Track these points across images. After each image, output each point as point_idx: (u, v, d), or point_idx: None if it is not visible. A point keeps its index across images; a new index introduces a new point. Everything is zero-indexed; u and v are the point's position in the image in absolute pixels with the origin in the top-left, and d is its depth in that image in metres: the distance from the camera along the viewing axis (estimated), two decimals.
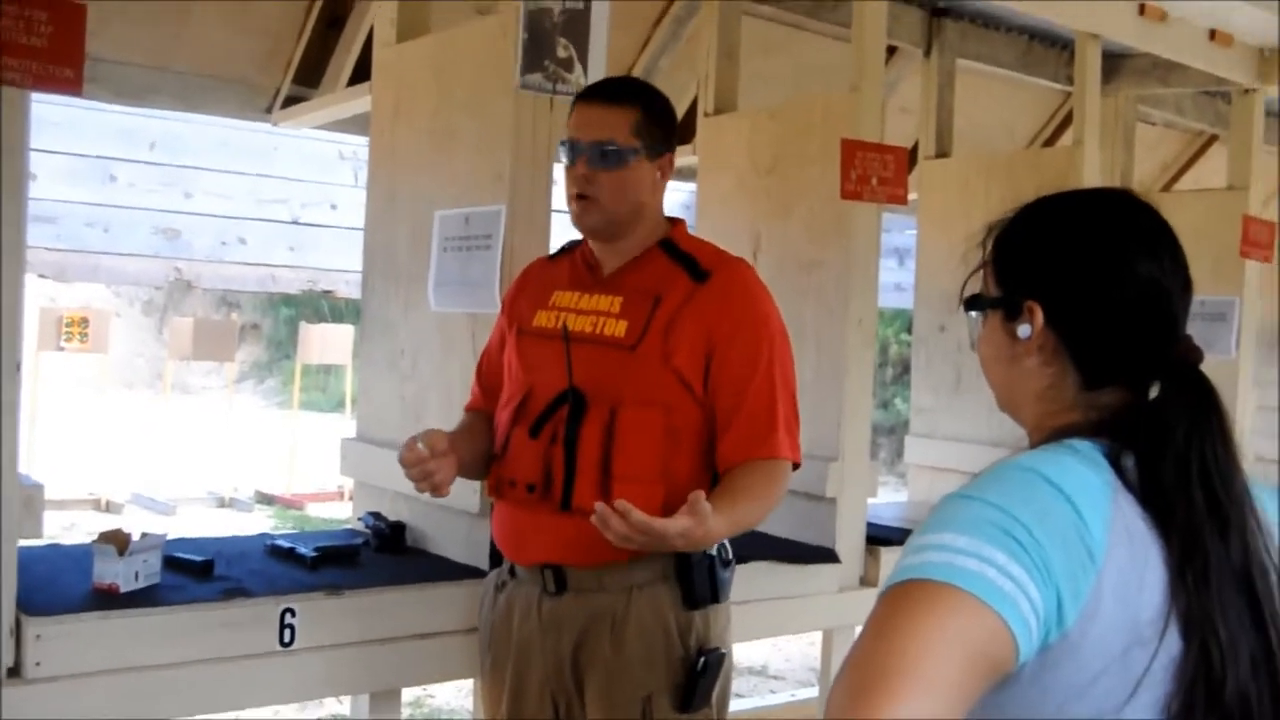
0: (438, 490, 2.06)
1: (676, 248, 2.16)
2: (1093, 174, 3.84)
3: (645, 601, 2.07)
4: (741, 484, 2.05)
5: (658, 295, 2.10)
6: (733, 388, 2.08)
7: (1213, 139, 5.74)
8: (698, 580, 2.07)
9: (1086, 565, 1.06)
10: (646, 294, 2.11)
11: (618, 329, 2.09)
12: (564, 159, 2.14)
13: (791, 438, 2.12)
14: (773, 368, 2.10)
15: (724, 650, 2.11)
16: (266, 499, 10.86)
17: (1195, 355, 1.21)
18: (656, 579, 2.07)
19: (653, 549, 1.93)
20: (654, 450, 2.05)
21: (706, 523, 1.85)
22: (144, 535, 2.25)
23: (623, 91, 2.19)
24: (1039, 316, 1.23)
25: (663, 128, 2.18)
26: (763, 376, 2.09)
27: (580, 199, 2.12)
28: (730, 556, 2.15)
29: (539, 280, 2.28)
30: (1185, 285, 1.24)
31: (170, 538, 2.39)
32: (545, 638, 2.12)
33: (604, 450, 2.04)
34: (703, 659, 2.06)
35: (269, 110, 3.82)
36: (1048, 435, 1.22)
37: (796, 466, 2.15)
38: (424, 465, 2.03)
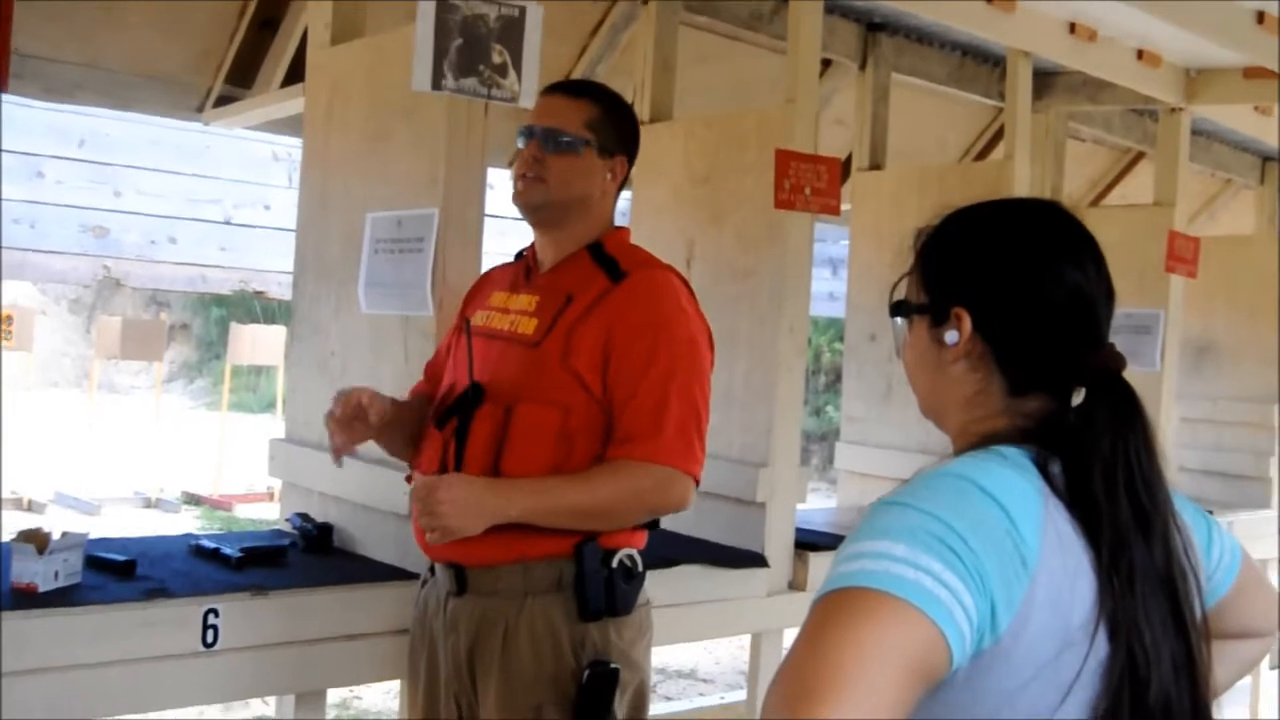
0: (340, 445, 2.09)
1: (602, 251, 2.17)
2: (1023, 188, 3.90)
3: (538, 609, 2.05)
4: (590, 473, 2.03)
5: (570, 294, 2.11)
6: (624, 387, 2.05)
7: (1140, 156, 5.84)
8: (591, 591, 2.04)
9: (1020, 572, 1.08)
10: (561, 293, 2.12)
11: (527, 327, 2.11)
12: (520, 143, 2.17)
13: (682, 446, 2.06)
14: (671, 371, 2.06)
15: (618, 665, 2.04)
16: (194, 500, 10.72)
17: (1118, 362, 1.24)
18: (550, 588, 2.05)
19: (437, 522, 1.93)
20: (546, 449, 2.04)
21: (451, 489, 1.90)
22: (64, 534, 2.22)
23: (585, 89, 2.26)
24: (967, 323, 1.24)
25: (619, 129, 2.21)
26: (657, 378, 2.05)
27: (526, 178, 2.14)
28: (638, 569, 2.12)
29: (489, 284, 2.32)
30: (1109, 294, 1.27)
31: (93, 537, 2.35)
32: (447, 637, 2.13)
33: (495, 446, 2.03)
34: (587, 672, 2.01)
35: (200, 109, 3.77)
36: (973, 441, 1.23)
37: (692, 474, 2.08)
38: (348, 418, 2.06)
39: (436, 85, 2.28)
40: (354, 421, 2.09)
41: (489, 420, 2.06)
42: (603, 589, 2.05)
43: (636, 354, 2.05)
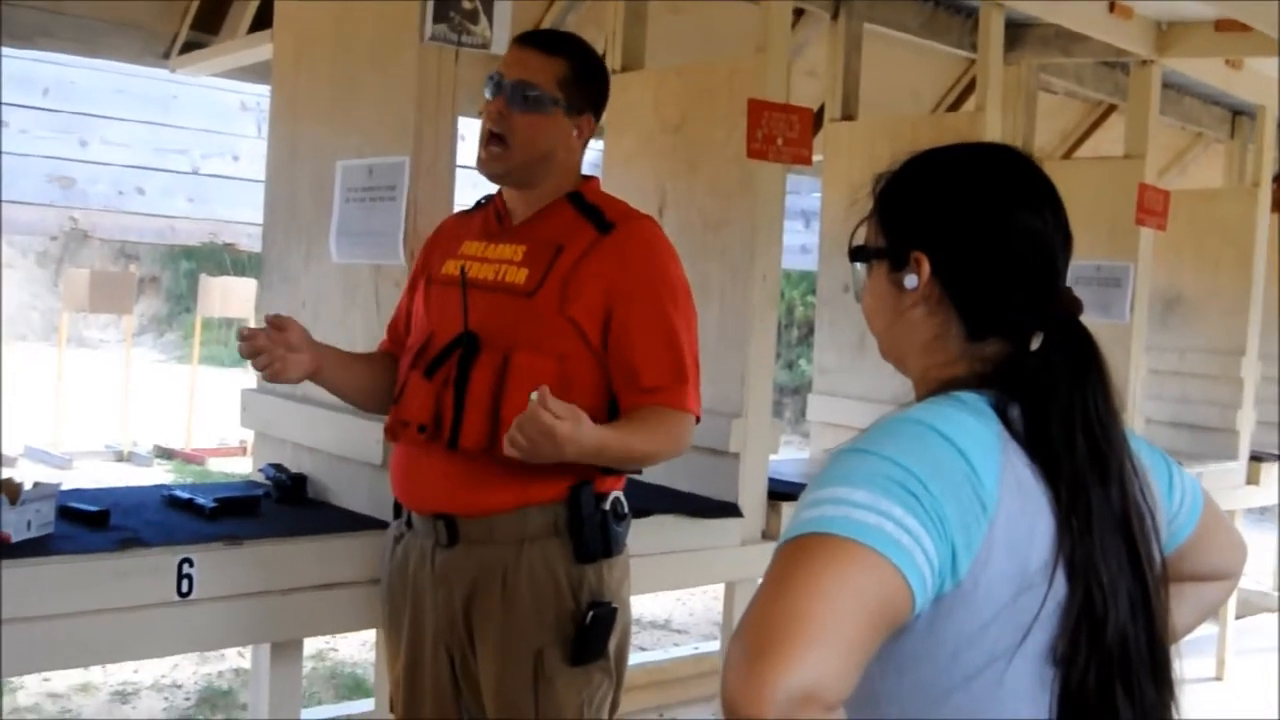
0: (274, 373, 2.11)
1: (584, 200, 2.18)
2: (994, 139, 3.89)
3: (536, 555, 2.07)
4: (631, 422, 2.07)
5: (560, 244, 2.11)
6: (632, 342, 2.08)
7: (1111, 109, 5.85)
8: (589, 534, 2.08)
9: (979, 516, 1.09)
10: (549, 244, 2.12)
11: (518, 276, 2.11)
12: (487, 93, 2.15)
13: (693, 390, 2.13)
14: (675, 322, 2.11)
15: (615, 604, 2.11)
16: (166, 454, 10.67)
17: (1075, 307, 1.25)
18: (548, 533, 2.08)
19: (532, 452, 1.89)
20: None
21: (578, 425, 1.86)
22: (36, 484, 2.21)
23: (558, 44, 2.21)
24: (925, 267, 1.25)
25: (589, 88, 2.19)
26: (669, 330, 2.10)
27: (490, 142, 2.13)
28: (625, 511, 2.16)
29: (452, 233, 2.29)
30: (1066, 239, 1.28)
31: (65, 488, 2.35)
32: (437, 591, 2.13)
33: (494, 393, 2.04)
34: (591, 613, 2.06)
35: (167, 56, 3.73)
36: (934, 387, 1.25)
37: (698, 421, 2.16)
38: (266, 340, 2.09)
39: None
40: (276, 344, 2.10)
41: (488, 369, 2.06)
42: (598, 531, 2.09)
43: (640, 308, 2.09)
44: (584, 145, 2.24)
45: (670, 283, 2.14)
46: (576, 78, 2.16)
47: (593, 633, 2.08)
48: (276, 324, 2.12)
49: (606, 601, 2.10)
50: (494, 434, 2.03)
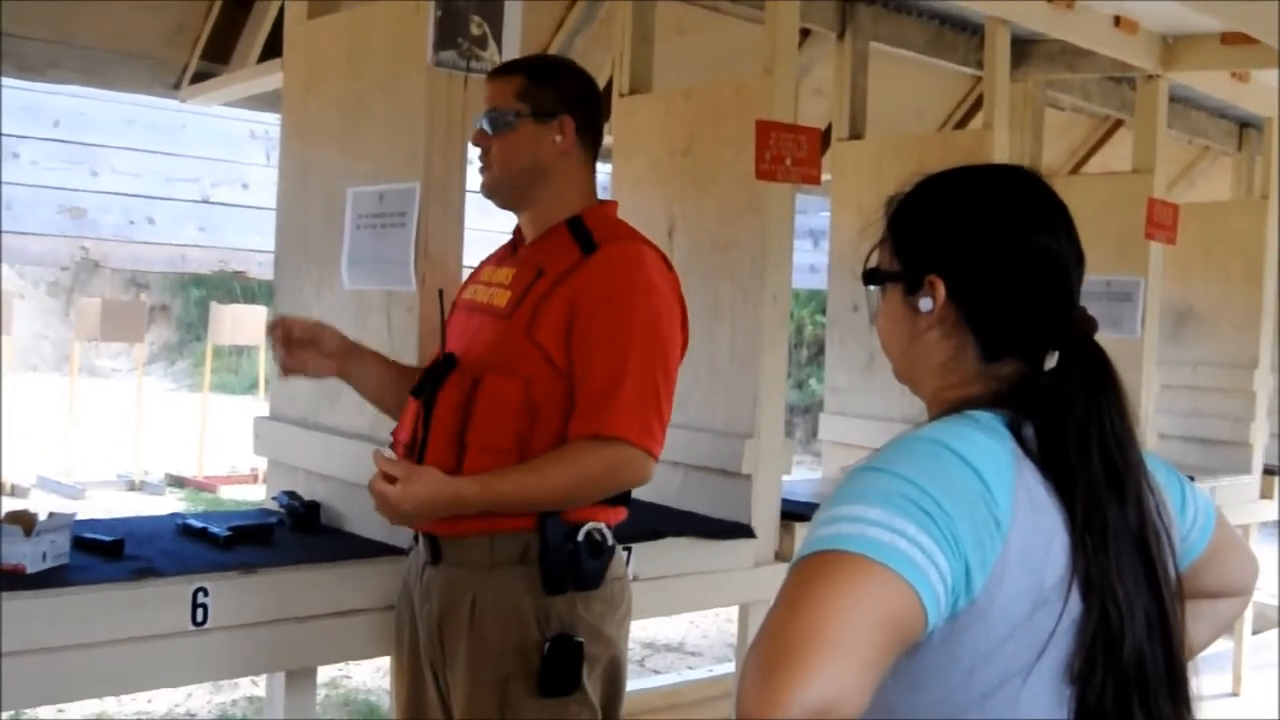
0: (287, 365, 2.21)
1: (581, 225, 2.16)
2: (1002, 157, 3.90)
3: (502, 582, 2.06)
4: (541, 460, 2.03)
5: (541, 268, 2.11)
6: (582, 360, 2.04)
7: (1118, 124, 5.85)
8: (556, 564, 2.03)
9: (993, 534, 1.09)
10: (534, 266, 2.13)
11: (501, 299, 2.13)
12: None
13: (639, 420, 2.03)
14: (629, 346, 2.04)
15: (580, 639, 2.04)
16: (178, 482, 10.69)
17: (1090, 326, 1.25)
18: (514, 560, 2.05)
19: (386, 513, 1.98)
20: (509, 421, 2.04)
21: (409, 485, 1.93)
22: (51, 515, 2.21)
23: (512, 65, 2.28)
24: (941, 290, 1.25)
25: (553, 90, 2.18)
26: (614, 354, 2.03)
27: (481, 168, 2.19)
28: (608, 544, 2.10)
29: (488, 261, 2.34)
30: (1079, 258, 1.28)
31: (79, 518, 2.35)
32: (422, 607, 2.15)
33: (461, 415, 2.05)
34: (548, 644, 2.02)
35: (177, 86, 3.75)
36: (947, 407, 1.25)
37: (648, 450, 2.06)
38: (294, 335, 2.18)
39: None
40: (308, 347, 2.19)
41: (456, 390, 2.07)
42: (566, 562, 2.04)
43: (596, 326, 2.04)
44: (582, 152, 2.20)
45: (631, 303, 2.06)
46: (534, 84, 2.17)
47: (555, 665, 2.02)
48: (312, 335, 2.21)
49: (570, 635, 2.03)
50: (460, 455, 2.04)
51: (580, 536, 2.06)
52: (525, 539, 2.05)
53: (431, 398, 2.09)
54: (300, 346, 2.21)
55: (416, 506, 1.96)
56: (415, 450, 2.10)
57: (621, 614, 2.15)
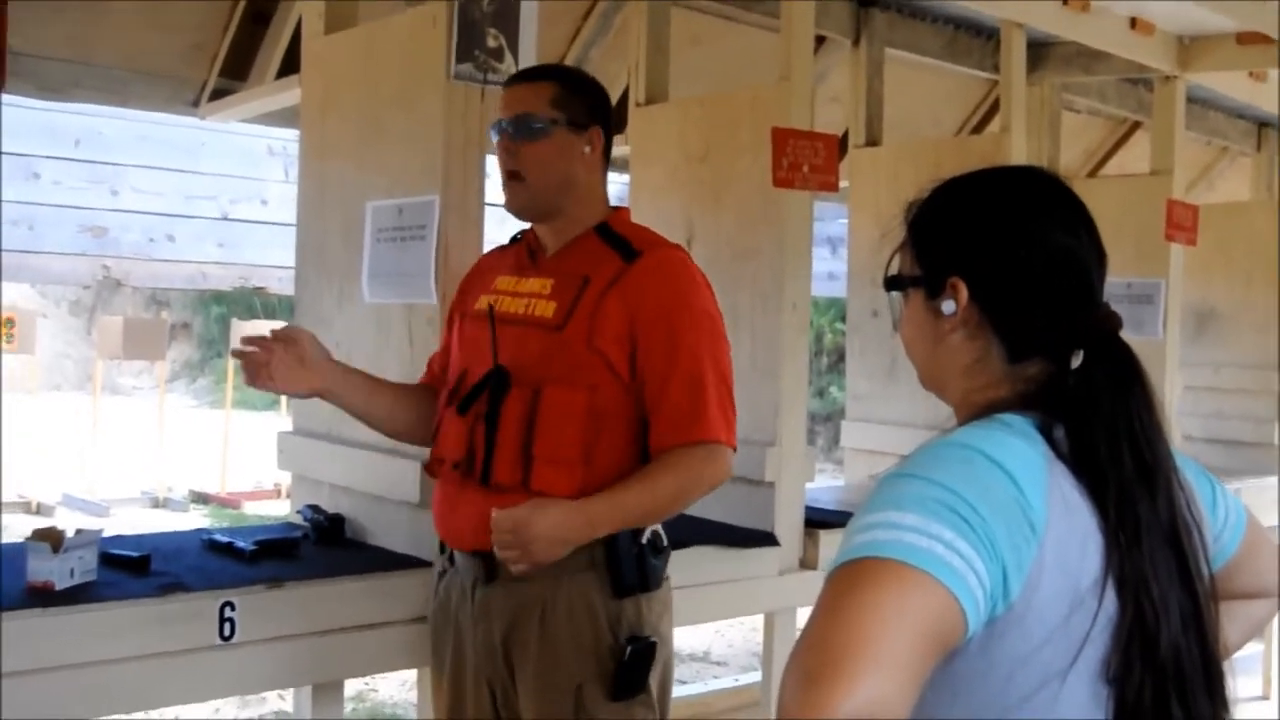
0: (253, 376, 2.14)
1: (611, 231, 2.18)
2: (1019, 160, 3.89)
3: (573, 589, 2.06)
4: (651, 470, 2.06)
5: (586, 276, 2.11)
6: (659, 372, 2.07)
7: (1136, 125, 5.83)
8: (625, 567, 2.07)
9: (1029, 537, 1.09)
10: (576, 275, 2.12)
11: (546, 310, 2.12)
12: (493, 138, 2.19)
13: (724, 420, 2.10)
14: (699, 350, 2.09)
15: (654, 639, 2.09)
16: (202, 498, 10.74)
17: (1114, 323, 1.25)
18: (584, 567, 2.06)
19: (520, 554, 1.96)
20: (576, 432, 2.05)
21: (543, 510, 1.94)
22: (79, 532, 2.23)
23: (541, 71, 2.26)
24: (963, 292, 1.25)
25: (585, 101, 2.19)
26: (689, 359, 2.08)
27: (509, 180, 2.16)
28: (664, 543, 2.15)
29: (487, 269, 2.32)
30: (1100, 256, 1.28)
31: (105, 535, 2.36)
32: (477, 627, 2.14)
33: (525, 429, 2.05)
34: (630, 648, 2.05)
35: (196, 104, 3.77)
36: (975, 411, 1.24)
37: (734, 449, 2.14)
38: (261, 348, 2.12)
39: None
40: (287, 355, 2.14)
41: (518, 404, 2.06)
42: (635, 565, 2.08)
43: (665, 337, 2.08)
44: (603, 164, 2.23)
45: (691, 311, 2.11)
46: (568, 93, 2.17)
47: (633, 668, 2.06)
48: (283, 337, 2.15)
49: (645, 636, 2.08)
50: (526, 469, 2.04)
51: (644, 539, 2.10)
52: (591, 545, 2.06)
53: (494, 412, 2.08)
54: (269, 346, 2.14)
55: (549, 544, 1.97)
56: (473, 468, 2.09)
57: (670, 613, 2.19)
